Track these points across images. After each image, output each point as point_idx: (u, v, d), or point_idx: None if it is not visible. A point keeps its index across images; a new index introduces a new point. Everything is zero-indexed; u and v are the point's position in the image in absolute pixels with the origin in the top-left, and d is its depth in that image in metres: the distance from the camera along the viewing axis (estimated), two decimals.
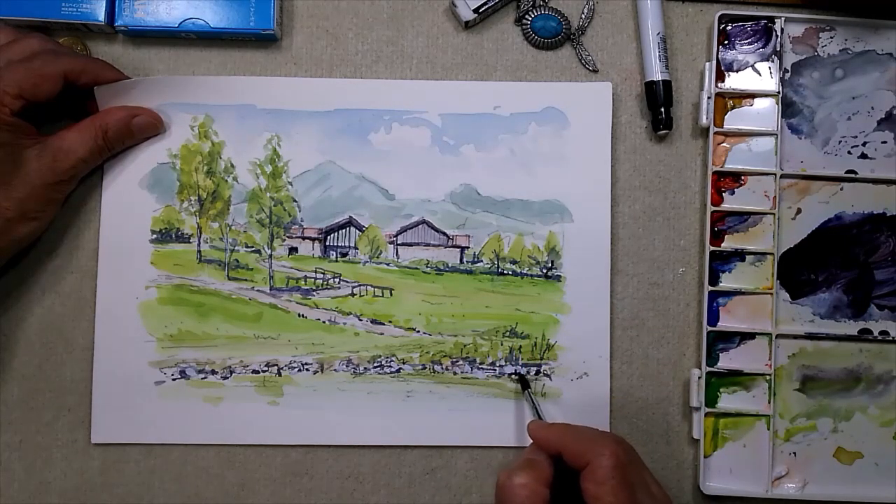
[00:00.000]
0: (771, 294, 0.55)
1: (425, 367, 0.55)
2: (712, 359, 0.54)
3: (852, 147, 0.56)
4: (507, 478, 0.43)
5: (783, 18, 0.55)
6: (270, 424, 0.54)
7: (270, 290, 0.55)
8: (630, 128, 0.56)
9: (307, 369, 0.54)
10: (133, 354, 0.54)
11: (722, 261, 0.55)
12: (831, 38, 0.56)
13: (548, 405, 0.54)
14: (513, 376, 0.54)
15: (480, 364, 0.55)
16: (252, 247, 0.55)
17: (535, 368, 0.54)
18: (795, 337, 0.55)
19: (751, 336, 0.55)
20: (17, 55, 0.49)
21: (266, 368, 0.54)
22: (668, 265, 0.56)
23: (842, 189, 0.56)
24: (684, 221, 0.56)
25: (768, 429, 0.54)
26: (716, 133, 0.55)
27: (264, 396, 0.54)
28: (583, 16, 0.56)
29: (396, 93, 0.56)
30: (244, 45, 0.56)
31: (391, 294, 0.55)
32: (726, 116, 0.56)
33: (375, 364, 0.54)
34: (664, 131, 0.55)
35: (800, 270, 0.55)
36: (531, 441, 0.47)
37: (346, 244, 0.56)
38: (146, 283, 0.54)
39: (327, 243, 0.55)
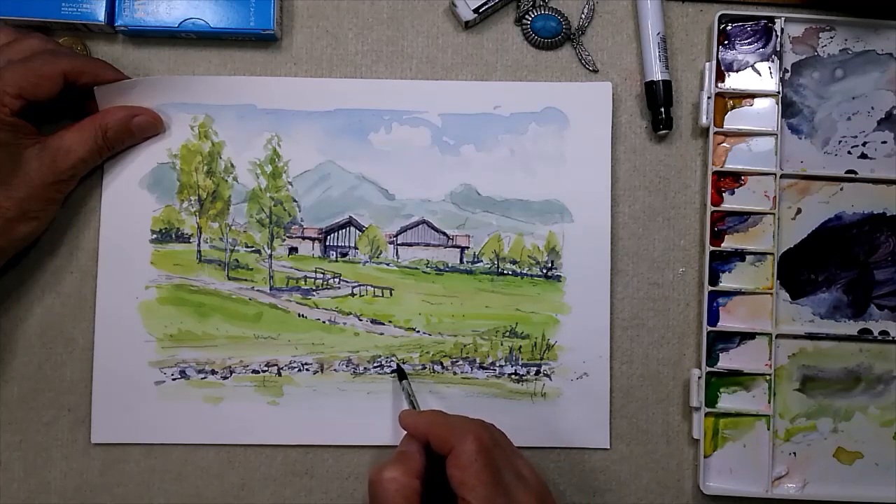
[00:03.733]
0: (771, 294, 0.55)
1: (425, 367, 0.55)
2: (712, 359, 0.54)
3: (852, 147, 0.56)
4: (376, 473, 0.43)
5: (783, 18, 0.55)
6: (270, 424, 0.54)
7: (270, 290, 0.55)
8: (630, 128, 0.56)
9: (307, 369, 0.54)
10: (133, 354, 0.54)
11: (722, 261, 0.55)
12: (831, 38, 0.56)
13: (548, 405, 0.54)
14: (394, 371, 0.54)
15: (480, 364, 0.55)
16: (252, 247, 0.55)
17: (535, 368, 0.54)
18: (795, 337, 0.55)
19: (751, 336, 0.55)
20: (17, 55, 0.49)
21: (266, 368, 0.54)
22: (668, 265, 0.56)
23: (842, 189, 0.56)
24: (684, 221, 0.56)
25: (768, 429, 0.54)
26: (716, 133, 0.55)
27: (264, 396, 0.54)
28: (583, 16, 0.56)
29: (396, 93, 0.56)
30: (244, 45, 0.56)
31: (391, 294, 0.55)
32: (726, 116, 0.56)
33: (375, 364, 0.54)
34: (664, 131, 0.55)
35: (800, 270, 0.55)
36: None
37: (346, 244, 0.56)
38: (146, 283, 0.54)
39: (327, 243, 0.55)
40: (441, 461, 0.44)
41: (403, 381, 0.53)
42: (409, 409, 0.51)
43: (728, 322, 0.55)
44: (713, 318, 0.55)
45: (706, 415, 0.54)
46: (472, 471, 0.42)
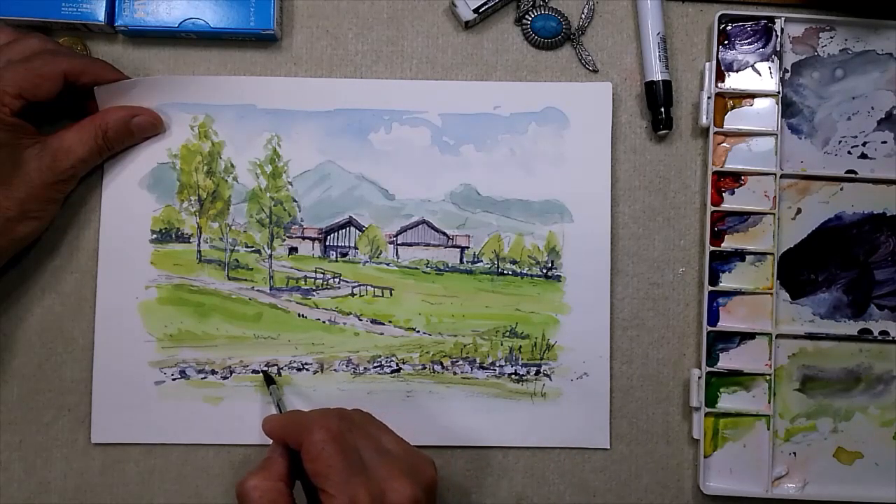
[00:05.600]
0: (771, 294, 0.55)
1: (425, 367, 0.55)
2: (712, 359, 0.54)
3: (852, 147, 0.56)
4: (240, 484, 0.43)
5: (783, 18, 0.55)
6: None
7: (270, 290, 0.55)
8: (630, 128, 0.56)
9: (307, 369, 0.54)
10: (133, 354, 0.54)
11: (722, 261, 0.55)
12: (831, 38, 0.56)
13: (548, 405, 0.54)
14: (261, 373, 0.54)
15: (480, 364, 0.55)
16: (252, 247, 0.55)
17: (535, 368, 0.54)
18: (795, 337, 0.55)
19: (751, 336, 0.55)
20: (17, 55, 0.49)
21: (266, 368, 0.54)
22: (668, 265, 0.56)
23: (842, 189, 0.56)
24: (684, 221, 0.56)
25: (768, 429, 0.54)
26: (716, 133, 0.55)
27: (264, 396, 0.54)
28: (583, 16, 0.56)
29: (396, 93, 0.55)
30: (244, 45, 0.56)
31: (391, 294, 0.55)
32: (726, 116, 0.56)
33: (375, 364, 0.54)
34: (664, 131, 0.55)
35: (800, 270, 0.55)
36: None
37: (346, 244, 0.56)
38: (146, 282, 0.54)
39: (327, 243, 0.55)
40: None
41: (271, 387, 0.53)
42: (272, 414, 0.50)
43: (728, 322, 0.55)
44: (713, 318, 0.55)
45: (706, 415, 0.54)
46: (323, 459, 0.42)
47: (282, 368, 0.54)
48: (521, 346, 0.55)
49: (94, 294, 0.54)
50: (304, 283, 0.55)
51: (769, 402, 0.54)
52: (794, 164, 0.56)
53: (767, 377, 0.54)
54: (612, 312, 0.55)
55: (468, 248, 0.55)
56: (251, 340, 0.54)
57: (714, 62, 0.55)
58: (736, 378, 0.54)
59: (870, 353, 0.55)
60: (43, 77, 0.49)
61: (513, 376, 0.55)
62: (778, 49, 0.55)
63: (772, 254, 0.55)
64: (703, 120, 0.55)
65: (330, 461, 0.42)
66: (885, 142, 0.56)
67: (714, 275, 0.55)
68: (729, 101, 0.56)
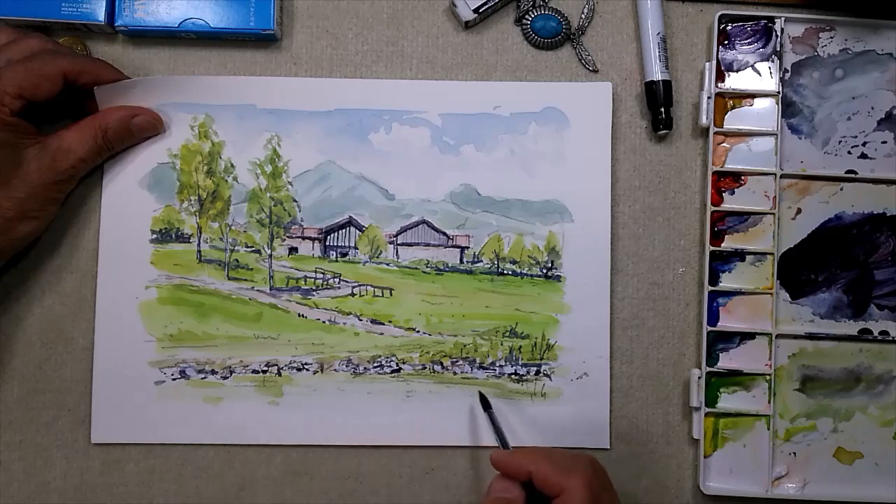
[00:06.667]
0: (771, 294, 0.55)
1: (425, 367, 0.55)
2: (712, 359, 0.54)
3: (852, 147, 0.56)
4: None
5: (783, 18, 0.55)
6: (270, 424, 0.54)
7: (270, 290, 0.55)
8: (630, 128, 0.56)
9: (307, 369, 0.54)
10: (133, 354, 0.54)
11: (722, 261, 0.55)
12: (831, 38, 0.56)
13: (548, 405, 0.54)
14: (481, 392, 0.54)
15: (480, 364, 0.55)
16: (252, 247, 0.55)
17: (535, 368, 0.54)
18: (795, 337, 0.55)
19: (751, 336, 0.55)
20: (17, 55, 0.49)
21: (266, 368, 0.54)
22: (668, 265, 0.56)
23: (842, 189, 0.56)
24: (684, 221, 0.56)
25: (768, 429, 0.54)
26: (716, 133, 0.55)
27: (264, 396, 0.54)
28: (583, 16, 0.56)
29: (396, 93, 0.55)
30: (244, 45, 0.56)
31: (391, 294, 0.55)
32: (726, 116, 0.56)
33: (375, 364, 0.54)
34: (664, 131, 0.55)
35: (800, 270, 0.55)
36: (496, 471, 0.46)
37: (346, 244, 0.56)
38: (146, 282, 0.54)
39: (327, 243, 0.55)
40: (533, 499, 0.43)
41: (489, 412, 0.52)
42: (500, 449, 0.49)
43: (728, 322, 0.55)
44: (713, 318, 0.55)
45: (706, 415, 0.54)
46: None
47: (282, 368, 0.54)
48: (521, 346, 0.55)
49: (94, 294, 0.54)
50: (304, 283, 0.55)
51: (769, 402, 0.54)
52: (794, 164, 0.56)
53: (767, 377, 0.54)
54: (612, 312, 0.55)
55: (468, 248, 0.55)
56: (251, 340, 0.54)
57: (714, 62, 0.55)
58: (736, 378, 0.54)
59: (870, 353, 0.55)
60: (43, 77, 0.49)
61: (513, 376, 0.55)
62: (778, 49, 0.55)
63: (772, 254, 0.55)
64: (703, 120, 0.55)
65: None
66: (885, 142, 0.56)
67: (714, 275, 0.55)
68: (729, 101, 0.56)
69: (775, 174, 0.55)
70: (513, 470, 0.45)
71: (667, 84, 0.55)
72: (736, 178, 0.55)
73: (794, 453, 0.54)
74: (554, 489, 0.43)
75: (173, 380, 0.54)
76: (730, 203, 0.55)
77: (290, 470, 0.54)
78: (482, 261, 0.55)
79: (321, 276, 0.55)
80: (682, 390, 0.55)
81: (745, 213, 0.55)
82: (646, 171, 0.56)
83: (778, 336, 0.54)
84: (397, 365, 0.54)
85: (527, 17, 0.56)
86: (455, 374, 0.55)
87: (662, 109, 0.55)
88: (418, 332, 0.55)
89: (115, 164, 0.55)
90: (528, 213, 0.55)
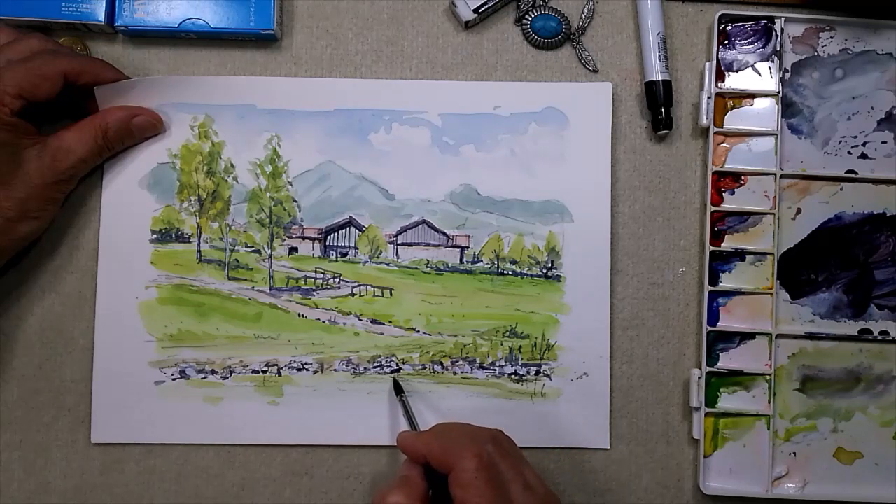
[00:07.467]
0: (771, 294, 0.55)
1: (425, 367, 0.55)
2: (712, 359, 0.54)
3: (852, 147, 0.56)
4: (380, 499, 0.42)
5: (783, 18, 0.55)
6: (270, 424, 0.54)
7: (270, 290, 0.55)
8: (630, 128, 0.56)
9: (307, 369, 0.54)
10: (133, 354, 0.54)
11: (722, 261, 0.55)
12: (831, 38, 0.56)
13: (548, 405, 0.54)
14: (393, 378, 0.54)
15: (480, 364, 0.55)
16: (252, 247, 0.55)
17: (535, 368, 0.54)
18: (795, 337, 0.55)
19: (751, 336, 0.55)
20: (17, 55, 0.49)
21: (266, 368, 0.54)
22: (668, 265, 0.56)
23: (842, 189, 0.56)
24: (684, 221, 0.56)
25: (768, 429, 0.54)
26: (716, 133, 0.55)
27: (264, 396, 0.54)
28: (583, 16, 0.56)
29: (396, 93, 0.56)
30: (244, 45, 0.56)
31: (391, 294, 0.55)
32: (726, 116, 0.56)
33: (375, 364, 0.54)
34: (664, 131, 0.55)
35: (800, 270, 0.55)
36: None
37: (346, 244, 0.56)
38: (146, 282, 0.54)
39: (327, 243, 0.55)
40: (445, 480, 0.43)
41: (401, 396, 0.52)
42: (407, 430, 0.49)
43: (728, 322, 0.55)
44: (713, 318, 0.55)
45: (706, 415, 0.54)
46: (474, 489, 0.41)
47: (282, 368, 0.54)
48: (521, 346, 0.55)
49: (94, 294, 0.54)
50: (304, 283, 0.55)
51: (769, 402, 0.54)
52: (794, 164, 0.56)
53: (767, 377, 0.54)
54: (612, 312, 0.55)
55: (468, 248, 0.55)
56: (251, 340, 0.54)
57: (714, 62, 0.55)
58: (736, 378, 0.54)
59: (870, 353, 0.55)
60: (43, 77, 0.49)
61: (513, 376, 0.55)
62: (778, 49, 0.55)
63: (772, 254, 0.55)
64: (703, 120, 0.55)
65: (482, 492, 0.41)
66: (885, 142, 0.56)
67: (714, 275, 0.55)
68: (729, 101, 0.56)
69: (775, 174, 0.55)
70: (410, 452, 0.45)
71: (667, 84, 0.55)
72: (736, 178, 0.55)
73: (794, 453, 0.54)
74: (445, 468, 0.43)
75: (173, 380, 0.54)
76: (730, 203, 0.55)
77: (290, 470, 0.54)
78: (482, 261, 0.55)
79: (321, 276, 0.55)
80: (682, 390, 0.55)
81: (745, 213, 0.55)
82: (646, 170, 0.56)
83: (778, 336, 0.54)
84: (397, 365, 0.54)
85: (527, 17, 0.56)
86: (455, 374, 0.55)
87: (662, 109, 0.55)
88: (418, 332, 0.55)
89: (115, 164, 0.55)
90: (528, 213, 0.55)
